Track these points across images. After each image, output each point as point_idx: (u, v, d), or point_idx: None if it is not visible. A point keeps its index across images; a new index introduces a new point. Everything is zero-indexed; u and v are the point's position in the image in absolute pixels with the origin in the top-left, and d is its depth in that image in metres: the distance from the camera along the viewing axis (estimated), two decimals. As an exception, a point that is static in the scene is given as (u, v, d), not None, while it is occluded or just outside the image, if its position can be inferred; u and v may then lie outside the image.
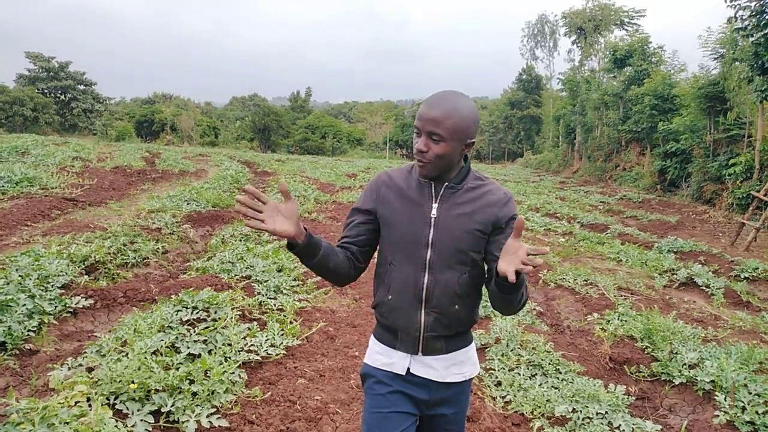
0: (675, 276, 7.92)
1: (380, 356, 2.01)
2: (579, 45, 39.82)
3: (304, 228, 1.80)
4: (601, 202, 18.44)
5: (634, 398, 4.15)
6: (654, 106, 22.21)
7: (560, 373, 4.25)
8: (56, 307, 4.59)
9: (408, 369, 1.95)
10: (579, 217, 13.89)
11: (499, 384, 4.10)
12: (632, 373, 4.62)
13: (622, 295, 6.55)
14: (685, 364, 4.46)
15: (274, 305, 5.06)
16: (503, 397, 3.91)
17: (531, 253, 1.63)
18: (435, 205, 1.90)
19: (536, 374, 4.21)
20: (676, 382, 4.33)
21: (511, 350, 4.52)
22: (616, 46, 28.91)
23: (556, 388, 3.98)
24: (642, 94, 23.13)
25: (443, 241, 1.87)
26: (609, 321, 5.53)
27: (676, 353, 4.66)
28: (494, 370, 4.25)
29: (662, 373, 4.49)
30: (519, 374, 4.17)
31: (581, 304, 6.34)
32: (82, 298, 4.83)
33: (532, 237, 10.75)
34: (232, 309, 4.53)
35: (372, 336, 2.08)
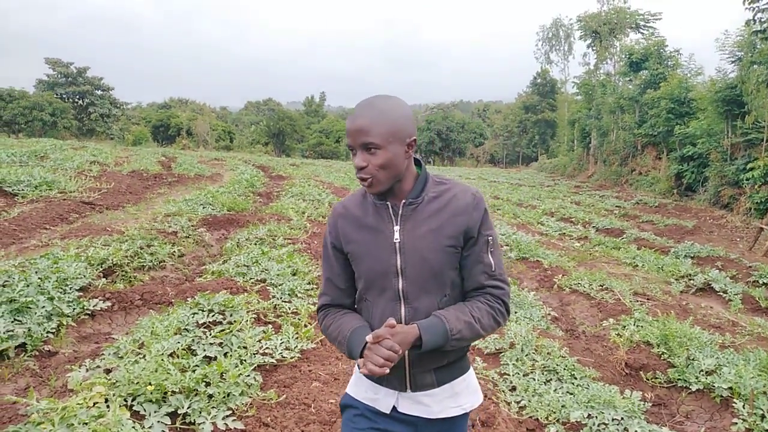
0: (692, 281, 7.85)
1: (364, 389, 1.86)
2: (594, 48, 39.57)
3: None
4: (616, 206, 18.32)
5: (650, 404, 4.11)
6: (670, 109, 22.02)
7: (575, 378, 4.22)
8: (74, 309, 4.65)
9: (394, 407, 1.80)
10: (594, 221, 13.80)
11: (513, 389, 4.08)
12: (648, 379, 4.58)
13: (638, 301, 6.50)
14: (702, 370, 4.42)
15: (289, 308, 5.09)
16: (518, 402, 3.89)
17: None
18: (397, 228, 1.71)
19: (551, 379, 4.19)
20: (693, 389, 4.28)
21: (526, 355, 4.50)
22: (631, 50, 28.69)
23: (571, 394, 3.96)
24: (658, 97, 22.94)
25: (414, 266, 1.69)
26: (625, 326, 5.49)
27: (693, 359, 4.61)
28: (509, 374, 4.24)
29: (679, 379, 4.45)
30: (534, 379, 4.15)
31: (597, 309, 6.29)
32: (99, 300, 4.89)
33: (546, 242, 10.70)
34: (248, 312, 4.56)
35: (356, 366, 1.90)
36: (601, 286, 6.96)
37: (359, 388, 1.87)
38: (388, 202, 1.73)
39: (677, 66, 25.49)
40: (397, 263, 1.70)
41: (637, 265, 8.95)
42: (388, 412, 1.80)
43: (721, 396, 4.10)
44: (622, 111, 28.87)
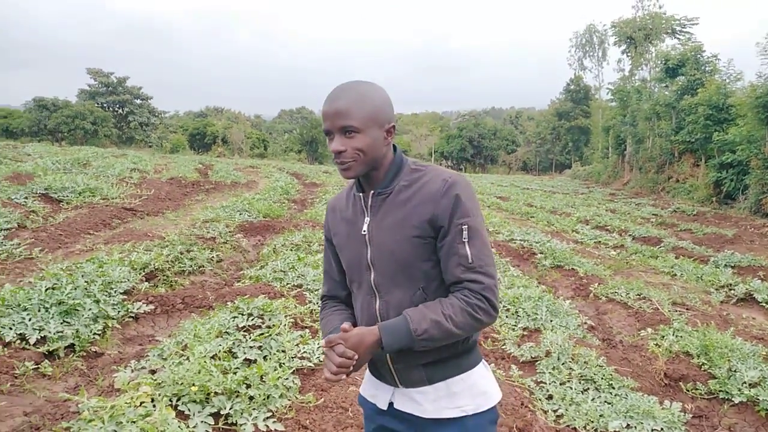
0: (732, 291, 7.66)
1: (368, 386, 1.85)
2: (629, 54, 39.03)
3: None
4: (653, 214, 17.98)
5: (690, 416, 4.04)
6: (708, 116, 21.58)
7: (613, 388, 4.18)
8: (119, 311, 4.81)
9: (392, 403, 1.75)
10: (630, 229, 13.57)
11: (550, 397, 4.06)
12: (688, 390, 4.50)
13: (676, 310, 6.39)
14: (744, 382, 4.32)
15: (325, 314, 5.15)
16: (555, 411, 3.87)
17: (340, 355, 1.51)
18: (367, 219, 1.68)
19: (588, 388, 4.16)
20: (736, 401, 4.19)
21: (562, 363, 4.47)
22: (667, 56, 28.22)
23: (609, 403, 3.92)
24: (696, 104, 22.51)
25: (381, 258, 1.65)
26: (663, 336, 5.41)
27: (735, 371, 4.51)
28: (545, 383, 4.22)
29: (720, 391, 4.36)
30: (571, 388, 4.13)
31: (634, 319, 6.21)
32: (143, 303, 5.05)
33: (581, 250, 10.58)
34: (285, 316, 4.64)
35: None
36: (638, 295, 6.85)
37: (365, 385, 1.86)
38: (361, 193, 1.71)
39: (715, 71, 24.97)
40: (367, 255, 1.67)
41: (675, 275, 8.79)
42: (385, 408, 1.76)
43: (766, 410, 4.01)
44: (658, 117, 28.37)
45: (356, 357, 1.52)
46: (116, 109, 52.55)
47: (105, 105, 51.81)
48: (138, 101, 53.19)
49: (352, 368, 1.53)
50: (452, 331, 1.55)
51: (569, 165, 54.08)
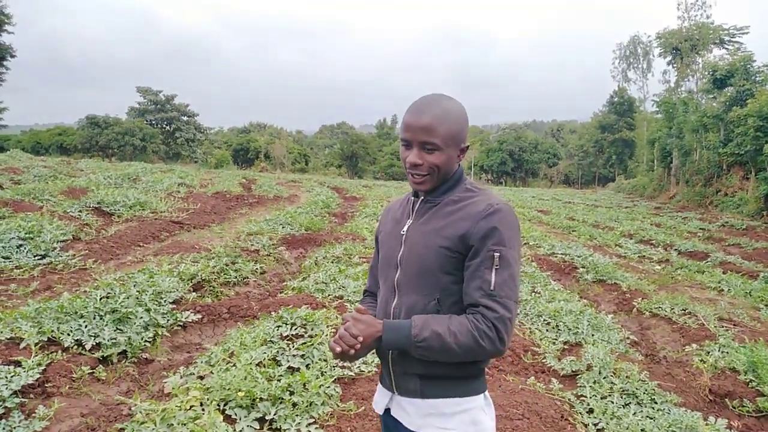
0: (784, 308, 7.43)
1: (377, 390, 1.89)
2: (675, 66, 38.22)
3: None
4: (700, 228, 17.48)
5: (737, 433, 3.96)
6: (759, 127, 20.93)
7: (656, 403, 4.13)
8: (168, 320, 5.01)
9: (389, 409, 1.78)
10: (676, 244, 13.26)
11: (591, 411, 4.04)
12: (735, 407, 4.40)
13: (723, 326, 6.24)
14: (795, 400, 4.21)
15: (366, 325, 5.23)
16: (596, 425, 3.85)
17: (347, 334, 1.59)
18: (409, 222, 1.75)
19: (630, 403, 4.12)
20: (786, 419, 4.09)
21: (604, 378, 4.44)
22: (715, 66, 27.57)
23: (651, 418, 3.88)
24: (745, 115, 21.88)
25: (409, 259, 1.69)
26: (709, 352, 5.29)
27: (785, 388, 4.40)
28: (586, 397, 4.20)
29: (770, 408, 4.25)
30: (612, 402, 4.09)
31: (678, 334, 6.09)
32: (191, 312, 5.23)
33: (624, 264, 10.41)
34: (327, 326, 4.75)
35: None
36: (683, 310, 6.71)
37: (377, 389, 1.91)
38: (414, 198, 1.79)
39: (767, 81, 24.25)
40: (398, 254, 1.73)
41: (722, 290, 8.55)
42: (381, 412, 1.81)
43: (817, 427, 3.90)
44: (705, 129, 27.66)
45: (360, 338, 1.57)
46: (164, 125, 54.35)
47: (153, 122, 53.68)
48: (185, 118, 54.90)
49: (353, 351, 1.58)
50: (451, 348, 1.55)
51: (612, 178, 53.13)
